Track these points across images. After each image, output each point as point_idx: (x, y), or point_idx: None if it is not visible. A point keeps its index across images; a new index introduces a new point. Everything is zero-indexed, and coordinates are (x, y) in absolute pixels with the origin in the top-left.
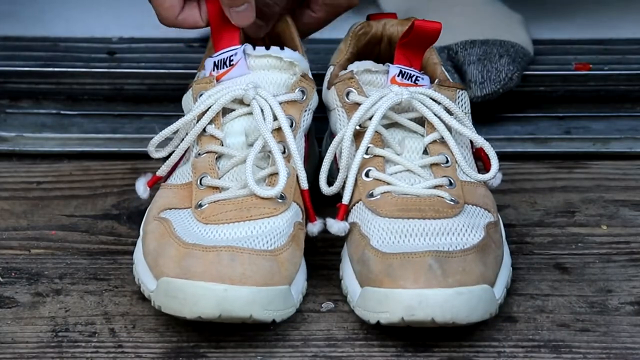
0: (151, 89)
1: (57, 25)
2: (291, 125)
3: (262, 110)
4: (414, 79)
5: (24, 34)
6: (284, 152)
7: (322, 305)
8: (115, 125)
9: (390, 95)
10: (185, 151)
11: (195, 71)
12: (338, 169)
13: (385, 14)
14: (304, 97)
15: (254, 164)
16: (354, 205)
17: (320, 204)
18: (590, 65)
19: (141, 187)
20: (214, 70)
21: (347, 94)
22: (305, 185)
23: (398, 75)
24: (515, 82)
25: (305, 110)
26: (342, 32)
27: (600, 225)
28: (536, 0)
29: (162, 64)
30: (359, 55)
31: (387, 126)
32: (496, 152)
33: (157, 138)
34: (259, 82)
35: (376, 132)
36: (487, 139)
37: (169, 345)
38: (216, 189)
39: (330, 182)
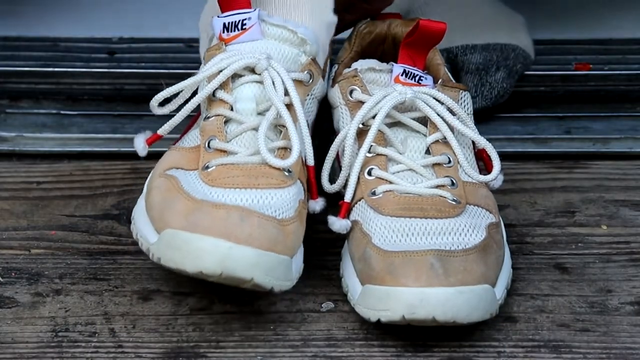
0: (151, 89)
1: (57, 25)
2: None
3: (273, 83)
4: (417, 78)
5: (24, 34)
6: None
7: (322, 305)
8: (115, 125)
9: (394, 94)
10: (197, 118)
11: (195, 71)
12: (340, 167)
13: (390, 14)
14: (310, 80)
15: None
16: (356, 203)
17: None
18: (590, 65)
19: (141, 144)
20: (223, 32)
21: (351, 92)
22: (311, 161)
23: (402, 75)
24: (506, 97)
25: (309, 95)
26: (346, 31)
27: (600, 225)
28: (536, 0)
29: (162, 64)
30: (363, 54)
31: (390, 125)
32: (496, 152)
33: (163, 94)
34: (271, 52)
35: (379, 130)
36: (487, 139)
37: (169, 345)
38: (224, 152)
39: (332, 180)
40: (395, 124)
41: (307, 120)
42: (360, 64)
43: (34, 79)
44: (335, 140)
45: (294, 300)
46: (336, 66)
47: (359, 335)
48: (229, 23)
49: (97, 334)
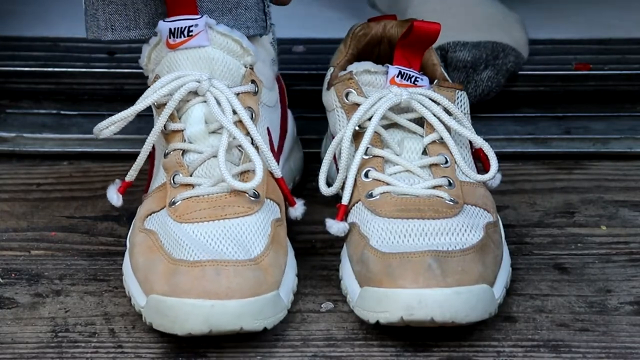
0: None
1: (57, 25)
2: (252, 117)
3: (218, 102)
4: (413, 79)
5: (24, 34)
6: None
7: (322, 306)
8: None
9: (390, 95)
10: (153, 159)
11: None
12: (338, 170)
13: (385, 16)
14: (257, 90)
15: (225, 159)
16: (354, 205)
17: (319, 204)
18: (590, 65)
19: (114, 195)
20: (170, 37)
21: (347, 95)
22: (278, 173)
23: (397, 76)
24: (491, 96)
25: (260, 104)
26: (342, 32)
27: (600, 226)
28: (536, 0)
29: None
30: (358, 56)
31: (387, 127)
32: (496, 152)
33: (105, 123)
34: (214, 64)
35: (375, 132)
36: (486, 139)
37: (168, 345)
38: (189, 185)
39: (329, 183)
40: (392, 126)
41: (267, 128)
42: (356, 67)
43: (34, 79)
44: (332, 143)
45: (294, 300)
46: (332, 69)
47: (359, 335)
48: (175, 29)
49: (97, 334)
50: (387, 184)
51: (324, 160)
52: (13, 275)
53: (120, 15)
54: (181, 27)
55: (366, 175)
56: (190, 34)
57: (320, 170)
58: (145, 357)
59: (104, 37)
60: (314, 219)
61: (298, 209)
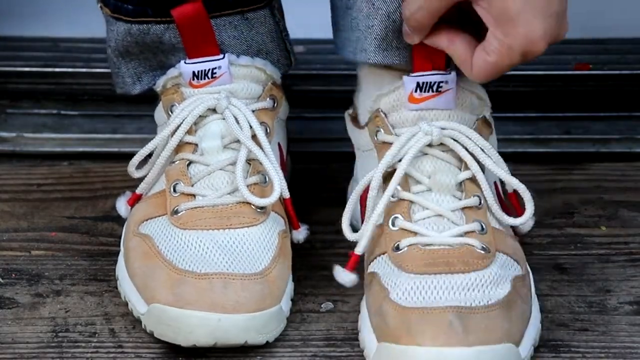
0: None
1: (57, 25)
2: (266, 133)
3: (236, 119)
4: (435, 87)
5: (24, 34)
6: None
7: (322, 306)
8: (115, 126)
9: (419, 135)
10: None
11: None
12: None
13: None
14: (275, 105)
15: (232, 172)
16: (379, 256)
17: (319, 204)
18: (590, 65)
19: (122, 207)
20: (193, 79)
21: (376, 134)
22: (287, 194)
23: (416, 91)
24: None
25: (276, 119)
26: None
27: (599, 226)
28: None
29: None
30: None
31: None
32: (530, 193)
33: (137, 158)
34: (237, 90)
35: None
36: None
37: (168, 345)
38: (191, 195)
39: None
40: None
41: (279, 143)
42: (371, 93)
43: (34, 79)
44: (359, 184)
45: (294, 300)
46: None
47: (358, 335)
48: (198, 71)
49: (97, 334)
50: (415, 233)
51: (348, 202)
52: (13, 275)
53: (145, 68)
54: (205, 70)
55: (393, 224)
56: (214, 75)
57: (344, 212)
58: (146, 357)
59: (132, 92)
60: (314, 219)
61: (302, 233)
